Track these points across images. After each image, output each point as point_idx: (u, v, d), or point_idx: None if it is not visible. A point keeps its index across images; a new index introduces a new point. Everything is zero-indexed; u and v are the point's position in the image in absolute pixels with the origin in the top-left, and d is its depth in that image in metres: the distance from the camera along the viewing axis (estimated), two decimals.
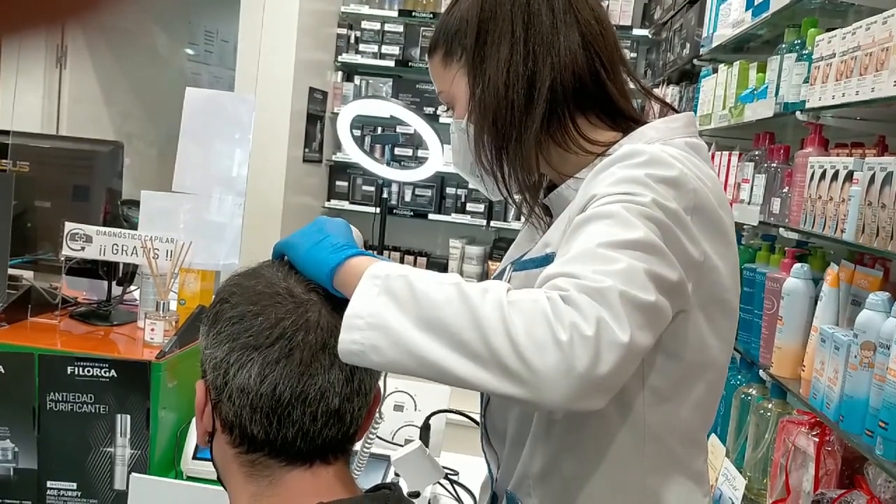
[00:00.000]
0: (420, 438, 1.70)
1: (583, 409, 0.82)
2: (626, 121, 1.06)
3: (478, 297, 0.81)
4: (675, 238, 0.90)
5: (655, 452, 1.01)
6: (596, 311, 0.80)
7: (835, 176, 1.69)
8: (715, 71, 2.81)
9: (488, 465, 1.17)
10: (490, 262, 4.53)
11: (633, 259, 0.84)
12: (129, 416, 1.55)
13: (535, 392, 0.79)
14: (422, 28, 4.45)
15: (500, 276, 1.11)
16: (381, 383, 0.96)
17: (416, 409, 1.88)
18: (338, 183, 4.67)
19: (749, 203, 2.27)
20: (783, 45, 2.07)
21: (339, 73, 4.63)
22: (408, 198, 4.57)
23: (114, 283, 1.94)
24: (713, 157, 2.63)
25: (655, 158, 0.93)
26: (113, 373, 1.53)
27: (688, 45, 3.26)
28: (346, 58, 4.55)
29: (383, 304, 0.82)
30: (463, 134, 1.07)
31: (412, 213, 4.55)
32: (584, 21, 1.03)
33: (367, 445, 1.28)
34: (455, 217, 4.51)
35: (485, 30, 1.02)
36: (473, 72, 1.04)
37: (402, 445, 1.58)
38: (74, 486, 1.57)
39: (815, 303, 1.82)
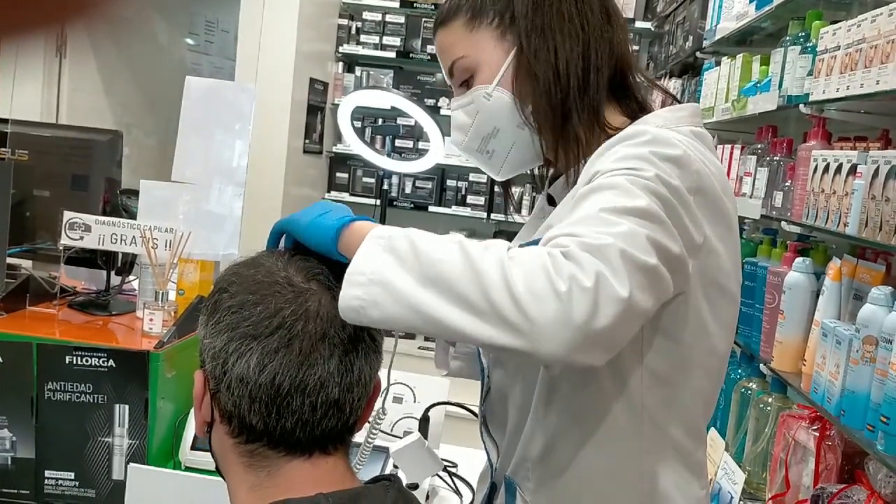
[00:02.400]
0: (419, 430, 1.69)
1: (580, 363, 0.82)
2: (635, 103, 1.08)
3: (478, 253, 0.82)
4: (677, 214, 0.90)
5: (652, 436, 1.01)
6: (595, 266, 0.81)
7: (838, 169, 1.68)
8: (718, 64, 2.80)
9: (488, 455, 1.17)
10: None
11: (636, 224, 0.85)
12: (127, 406, 1.55)
13: (533, 343, 0.79)
14: (423, 19, 4.43)
15: None
16: (383, 374, 0.95)
17: (415, 401, 1.87)
18: (338, 174, 4.66)
19: (751, 197, 2.26)
20: (787, 38, 2.06)
21: (340, 63, 4.61)
22: (408, 190, 4.56)
23: (112, 272, 1.93)
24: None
25: (660, 138, 0.94)
26: (111, 362, 1.53)
27: (690, 38, 3.25)
28: (347, 48, 4.54)
29: (385, 262, 0.83)
30: (485, 100, 1.06)
31: (412, 205, 4.54)
32: (613, 9, 1.08)
33: (370, 439, 1.28)
34: (455, 209, 4.51)
35: None
36: (535, 27, 1.04)
37: (400, 437, 1.58)
38: (72, 475, 1.56)
39: (817, 297, 1.82)
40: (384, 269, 0.82)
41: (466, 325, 0.80)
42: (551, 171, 1.16)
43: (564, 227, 0.87)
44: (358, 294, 0.82)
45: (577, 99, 1.03)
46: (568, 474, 1.03)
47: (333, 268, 0.89)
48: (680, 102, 1.11)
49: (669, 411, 1.01)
